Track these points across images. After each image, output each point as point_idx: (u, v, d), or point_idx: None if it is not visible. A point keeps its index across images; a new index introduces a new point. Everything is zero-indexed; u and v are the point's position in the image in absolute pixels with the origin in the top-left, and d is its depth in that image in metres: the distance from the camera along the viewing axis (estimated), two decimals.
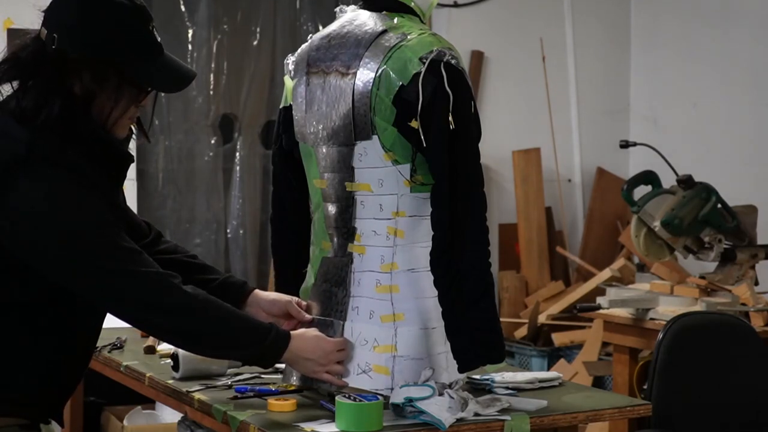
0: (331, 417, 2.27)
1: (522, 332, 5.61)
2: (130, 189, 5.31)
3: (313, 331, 2.37)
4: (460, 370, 2.37)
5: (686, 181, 4.31)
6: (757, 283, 4.33)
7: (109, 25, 2.12)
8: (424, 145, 2.33)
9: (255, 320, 2.31)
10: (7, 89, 2.16)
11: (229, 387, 2.54)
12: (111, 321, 3.43)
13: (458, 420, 2.24)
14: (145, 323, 2.23)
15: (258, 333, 2.26)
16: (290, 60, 2.58)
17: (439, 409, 2.23)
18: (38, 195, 2.06)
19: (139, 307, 2.15)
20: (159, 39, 2.19)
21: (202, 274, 2.48)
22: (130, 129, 2.27)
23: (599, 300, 4.11)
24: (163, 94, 5.84)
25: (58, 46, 2.10)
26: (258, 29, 6.06)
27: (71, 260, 2.08)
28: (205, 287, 2.41)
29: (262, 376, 2.66)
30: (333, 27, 2.52)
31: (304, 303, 2.52)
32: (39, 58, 2.11)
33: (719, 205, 4.28)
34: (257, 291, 2.51)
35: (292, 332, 2.33)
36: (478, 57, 6.11)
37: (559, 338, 5.45)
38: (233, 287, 2.50)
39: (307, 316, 2.48)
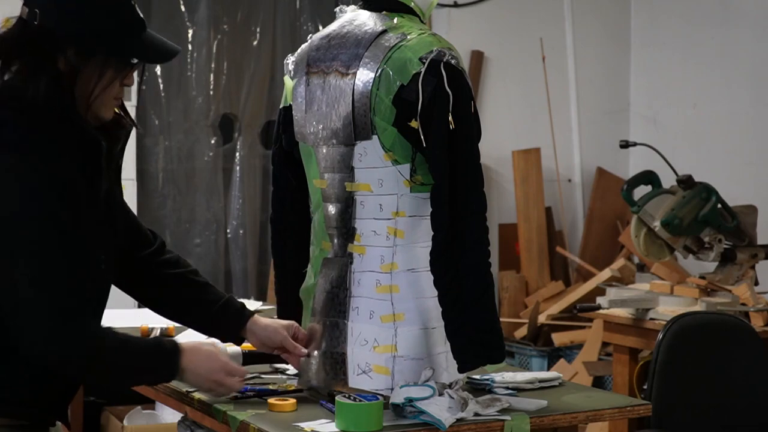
0: (331, 417, 2.27)
1: (522, 332, 5.61)
2: (130, 189, 5.31)
3: (207, 345, 2.29)
4: (460, 370, 2.37)
5: (686, 181, 4.31)
6: (757, 283, 4.33)
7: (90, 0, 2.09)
8: (424, 145, 2.33)
9: (143, 359, 2.20)
10: None
11: None
12: (110, 321, 3.44)
13: (458, 420, 2.24)
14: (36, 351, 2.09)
15: (154, 371, 2.22)
16: (290, 60, 2.58)
17: (439, 409, 2.23)
18: None
19: (38, 332, 2.04)
20: (141, 15, 2.16)
21: (202, 294, 2.45)
22: (126, 121, 2.23)
23: (599, 300, 4.11)
24: (163, 94, 5.85)
25: (41, 22, 2.07)
26: (258, 29, 6.06)
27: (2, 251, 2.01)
28: (206, 312, 2.43)
29: (262, 376, 2.66)
30: (333, 27, 2.52)
31: (302, 332, 2.49)
32: (23, 36, 2.08)
33: (719, 205, 4.28)
34: (256, 318, 2.48)
35: (184, 346, 2.22)
36: (478, 57, 6.11)
37: (559, 338, 5.45)
38: (232, 311, 2.46)
39: (303, 351, 2.46)
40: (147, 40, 2.16)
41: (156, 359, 2.20)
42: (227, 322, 2.45)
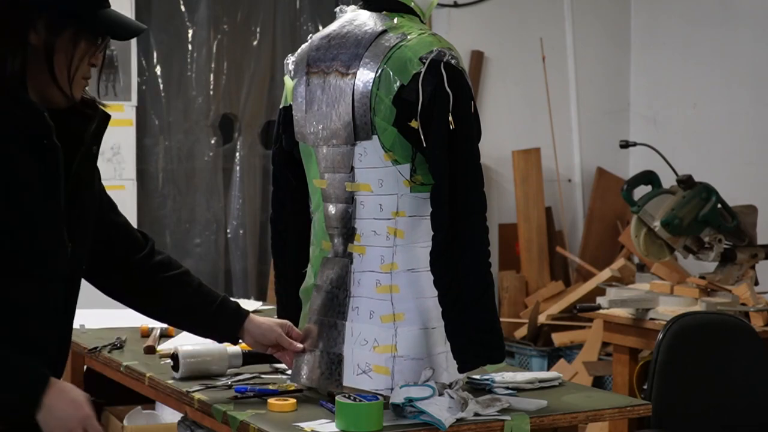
0: (331, 417, 2.27)
1: (522, 332, 5.61)
2: (130, 189, 5.31)
3: (79, 391, 2.14)
4: (460, 370, 2.37)
5: (686, 181, 4.31)
6: (757, 283, 4.33)
7: None
8: (424, 145, 2.33)
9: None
10: None
11: (229, 387, 2.54)
12: (111, 321, 3.44)
13: (458, 420, 2.24)
14: None
15: (9, 393, 2.04)
16: (290, 60, 2.58)
17: (439, 409, 2.23)
18: None
19: None
20: None
21: (197, 296, 2.42)
22: (98, 104, 2.19)
23: (599, 300, 4.11)
24: (163, 94, 5.85)
25: None
26: (258, 29, 6.06)
27: None
28: (203, 313, 2.40)
29: (262, 376, 2.66)
30: (333, 27, 2.52)
31: (296, 331, 2.49)
32: None
33: (719, 205, 4.28)
34: (252, 318, 2.46)
35: (53, 382, 2.05)
36: (478, 57, 6.11)
37: (559, 338, 5.45)
38: (229, 312, 2.44)
39: (298, 346, 2.46)
40: (112, 16, 2.13)
41: (15, 382, 2.02)
42: (225, 323, 2.44)
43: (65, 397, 2.06)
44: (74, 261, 2.14)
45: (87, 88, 2.17)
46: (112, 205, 2.36)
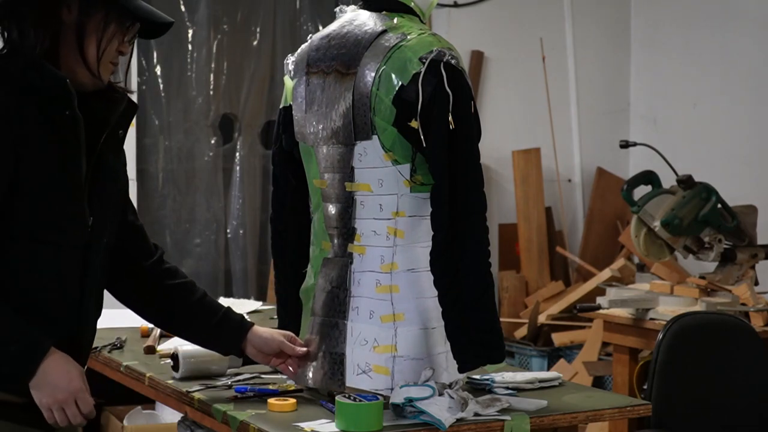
0: (331, 417, 2.27)
1: (522, 332, 5.61)
2: (130, 189, 5.30)
3: (76, 364, 2.13)
4: (460, 371, 2.37)
5: (686, 181, 4.31)
6: (757, 283, 4.33)
7: None
8: (424, 145, 2.33)
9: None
10: None
11: (229, 387, 2.54)
12: (111, 321, 3.44)
13: (458, 420, 2.24)
14: None
15: (9, 351, 2.05)
16: (290, 60, 2.58)
17: (439, 409, 2.23)
18: None
19: None
20: None
21: (200, 305, 2.42)
22: (126, 89, 2.22)
23: (599, 300, 4.11)
24: (163, 94, 5.85)
25: None
26: (258, 29, 6.06)
27: None
28: (205, 323, 2.40)
29: (262, 376, 2.67)
30: (333, 27, 2.52)
31: (299, 341, 2.49)
32: None
33: (719, 205, 4.28)
34: (255, 328, 2.46)
35: (54, 350, 2.07)
36: (478, 57, 6.11)
37: (559, 338, 5.45)
38: (232, 325, 2.44)
39: (302, 350, 2.46)
40: (143, 5, 2.17)
41: (17, 343, 2.03)
42: (228, 334, 2.44)
43: (60, 368, 2.07)
44: (94, 233, 2.16)
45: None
46: (132, 208, 2.40)
